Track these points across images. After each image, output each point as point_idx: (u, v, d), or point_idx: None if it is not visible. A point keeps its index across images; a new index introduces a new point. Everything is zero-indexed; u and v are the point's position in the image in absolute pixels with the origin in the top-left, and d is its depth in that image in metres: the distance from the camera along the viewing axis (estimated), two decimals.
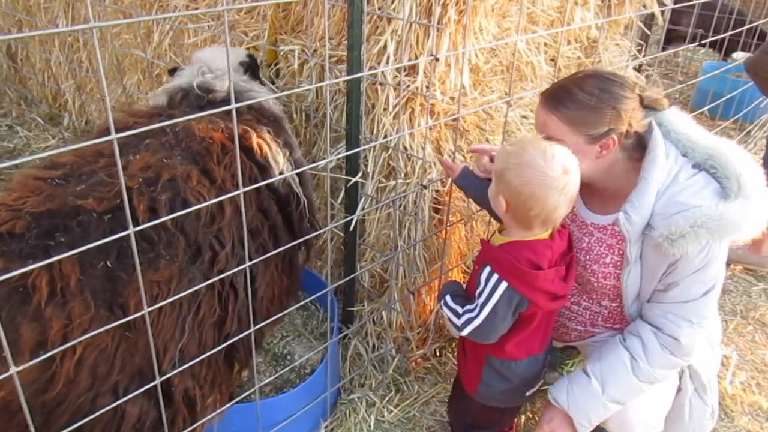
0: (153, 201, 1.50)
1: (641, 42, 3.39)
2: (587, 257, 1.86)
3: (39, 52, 4.38)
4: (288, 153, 1.99)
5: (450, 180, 2.20)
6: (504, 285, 1.59)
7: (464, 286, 1.85)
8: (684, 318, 1.70)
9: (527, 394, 1.87)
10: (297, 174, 1.97)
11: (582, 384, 1.78)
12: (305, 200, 1.99)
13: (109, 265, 1.38)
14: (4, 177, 3.78)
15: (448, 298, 1.75)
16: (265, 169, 1.85)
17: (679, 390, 1.90)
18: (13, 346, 1.21)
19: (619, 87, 1.64)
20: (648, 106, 1.74)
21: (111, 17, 3.53)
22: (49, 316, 1.28)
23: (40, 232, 1.36)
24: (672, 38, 6.51)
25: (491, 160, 1.91)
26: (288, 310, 1.91)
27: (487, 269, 1.63)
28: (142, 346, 1.44)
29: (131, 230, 1.17)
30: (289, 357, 2.41)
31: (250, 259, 1.62)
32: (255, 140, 1.83)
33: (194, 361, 1.55)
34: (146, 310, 1.27)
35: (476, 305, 1.64)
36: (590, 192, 1.84)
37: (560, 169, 1.51)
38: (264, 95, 2.11)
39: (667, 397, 1.86)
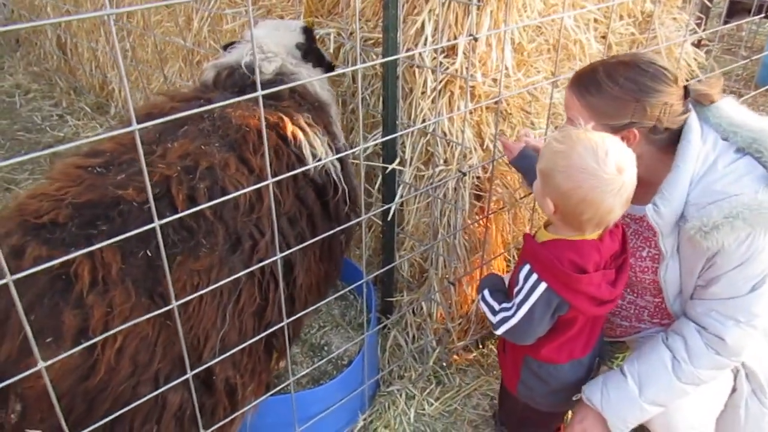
0: (192, 189, 1.50)
1: (701, 15, 3.17)
2: None
3: (86, 42, 4.46)
4: (328, 140, 1.94)
5: (492, 165, 2.10)
6: (543, 286, 1.49)
7: (506, 280, 1.76)
8: (729, 316, 1.56)
9: (574, 398, 1.76)
10: (339, 161, 1.92)
11: (618, 384, 1.67)
12: (345, 188, 1.94)
13: (149, 254, 1.39)
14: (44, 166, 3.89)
15: (486, 292, 1.66)
16: (300, 158, 1.81)
17: (733, 390, 1.76)
18: (55, 333, 1.25)
19: (650, 79, 1.53)
20: (696, 100, 1.62)
21: (153, 9, 3.54)
22: (90, 303, 1.29)
23: (82, 222, 1.37)
24: (735, 11, 6.13)
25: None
26: (326, 300, 1.88)
27: (527, 267, 1.53)
28: (183, 334, 1.42)
29: (156, 223, 1.14)
30: (326, 348, 2.37)
31: (288, 247, 1.64)
32: (290, 128, 1.80)
33: (236, 350, 1.55)
34: (174, 303, 1.25)
35: (513, 304, 1.55)
36: None
37: (614, 169, 1.38)
38: (308, 78, 2.05)
39: (719, 399, 1.73)
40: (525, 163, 1.84)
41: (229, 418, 1.62)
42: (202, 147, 1.59)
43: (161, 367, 1.43)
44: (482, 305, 1.66)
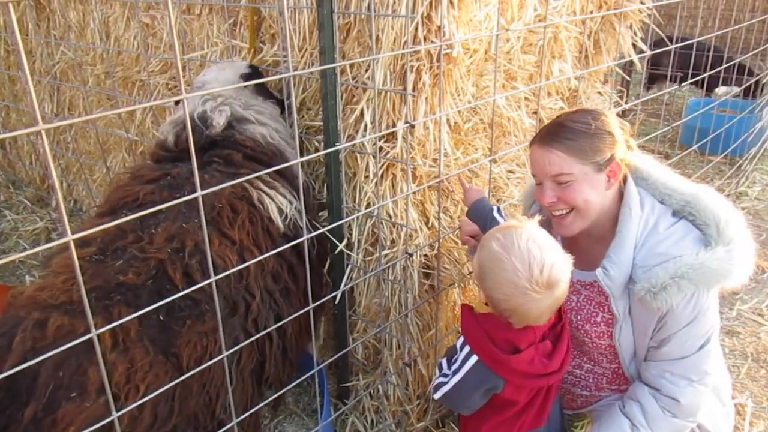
0: (186, 267, 1.65)
1: (622, 89, 3.40)
2: (578, 317, 1.78)
3: (25, 135, 4.39)
4: (288, 189, 2.06)
5: (438, 243, 2.14)
6: (474, 359, 1.51)
7: None
8: (682, 376, 1.60)
9: None
10: (303, 209, 2.02)
11: None
12: (311, 230, 2.05)
13: (161, 317, 1.55)
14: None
15: (444, 359, 1.65)
16: (271, 219, 1.96)
17: None
18: (80, 388, 1.39)
19: (603, 116, 1.63)
20: None
21: (94, 99, 3.55)
22: (113, 360, 1.43)
23: (97, 297, 1.52)
24: (654, 78, 6.60)
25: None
26: (281, 392, 1.91)
27: (461, 338, 1.56)
28: (196, 392, 1.61)
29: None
30: None
31: (276, 304, 1.89)
32: (255, 196, 1.95)
33: (256, 408, 1.75)
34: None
35: (450, 371, 1.56)
36: (572, 247, 1.73)
37: (546, 287, 1.39)
38: (265, 119, 2.16)
39: None
40: (480, 214, 1.86)
41: None
42: (184, 226, 1.74)
43: (178, 422, 1.56)
44: (437, 370, 1.67)
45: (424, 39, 1.95)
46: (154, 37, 2.90)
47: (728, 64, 4.07)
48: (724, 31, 3.98)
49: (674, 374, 1.61)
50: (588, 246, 1.76)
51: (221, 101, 2.13)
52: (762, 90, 5.60)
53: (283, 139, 2.20)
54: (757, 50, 4.73)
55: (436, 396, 1.59)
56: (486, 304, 1.60)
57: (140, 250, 1.66)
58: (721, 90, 6.20)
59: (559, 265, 1.43)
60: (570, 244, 1.72)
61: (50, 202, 4.43)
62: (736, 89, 5.63)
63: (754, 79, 5.02)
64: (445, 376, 1.58)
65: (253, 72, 2.28)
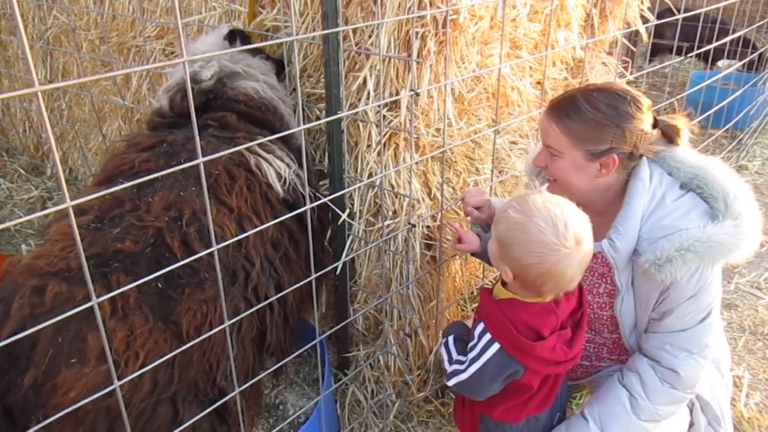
0: (184, 235, 1.63)
1: (626, 59, 3.34)
2: None
3: (18, 102, 4.32)
4: (286, 152, 2.03)
5: (441, 214, 2.12)
6: (496, 347, 1.47)
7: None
8: (682, 348, 1.60)
9: None
10: (301, 168, 2.04)
11: (579, 428, 1.66)
12: (312, 195, 2.05)
13: (160, 285, 1.53)
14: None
15: (450, 338, 1.63)
16: (270, 184, 1.93)
17: (691, 425, 1.79)
18: (79, 354, 1.38)
19: (627, 105, 1.55)
20: (663, 131, 1.65)
21: (89, 65, 3.48)
22: (112, 327, 1.42)
23: (95, 264, 1.51)
24: (657, 50, 6.51)
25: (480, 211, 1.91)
26: (282, 363, 1.95)
27: (481, 325, 1.51)
28: (196, 360, 1.60)
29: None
30: (281, 407, 2.29)
31: (276, 272, 1.86)
32: (253, 161, 1.90)
33: (258, 378, 1.76)
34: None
35: (467, 359, 1.52)
36: None
37: (574, 242, 1.37)
38: (255, 72, 2.13)
39: None
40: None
41: None
42: (181, 194, 1.71)
43: (179, 388, 1.55)
44: (442, 350, 1.64)
45: (430, 4, 1.90)
46: (150, 1, 2.82)
47: (732, 37, 4.00)
48: (727, 2, 3.91)
49: (674, 346, 1.60)
50: (596, 218, 1.73)
51: (206, 62, 2.08)
52: (765, 63, 5.54)
53: (277, 96, 2.17)
54: (762, 23, 4.66)
55: (451, 383, 1.55)
56: (504, 285, 1.56)
57: (138, 219, 1.63)
58: (723, 63, 6.13)
59: (580, 219, 1.42)
60: None
61: (45, 171, 4.38)
62: (737, 62, 5.56)
63: (758, 53, 4.95)
64: (460, 363, 1.53)
65: (234, 31, 2.23)
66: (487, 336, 1.48)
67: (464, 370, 1.51)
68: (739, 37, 4.75)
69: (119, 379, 1.35)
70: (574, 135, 1.57)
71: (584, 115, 1.56)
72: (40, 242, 1.69)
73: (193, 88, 2.04)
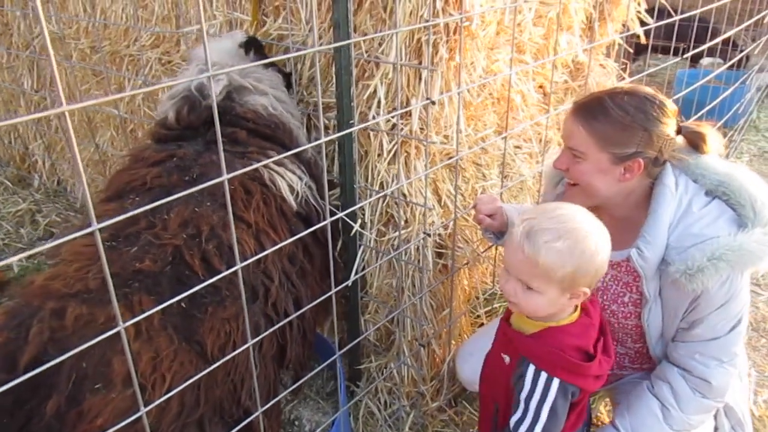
0: (203, 252, 1.59)
1: (625, 60, 3.36)
2: (604, 297, 1.75)
3: (3, 112, 4.22)
4: (297, 165, 2.01)
5: (454, 222, 2.09)
6: (556, 383, 1.39)
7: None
8: (713, 357, 1.59)
9: None
10: (313, 181, 2.04)
11: None
12: (323, 207, 2.03)
13: (184, 305, 1.49)
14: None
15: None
16: (284, 198, 1.91)
17: (715, 430, 1.79)
18: (104, 379, 1.33)
19: (656, 109, 1.53)
20: (687, 138, 1.63)
21: (78, 75, 3.40)
22: (137, 350, 1.38)
23: (115, 284, 1.43)
24: (641, 50, 6.57)
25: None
26: (302, 381, 1.91)
27: (531, 368, 1.41)
28: (221, 380, 1.57)
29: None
30: (297, 422, 2.26)
31: (294, 286, 1.84)
32: (267, 176, 1.88)
33: (281, 396, 1.73)
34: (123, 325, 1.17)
35: (528, 410, 1.41)
36: None
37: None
38: (265, 87, 2.08)
39: None
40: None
41: None
42: (197, 210, 1.67)
43: (205, 410, 1.52)
44: None
45: (442, 11, 1.88)
46: (145, 9, 2.76)
47: (723, 37, 4.04)
48: (720, 3, 3.95)
49: (704, 355, 1.59)
50: (611, 225, 1.71)
51: (217, 70, 2.03)
52: (748, 61, 5.62)
53: (286, 110, 2.13)
54: (749, 23, 4.72)
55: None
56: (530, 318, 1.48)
57: (155, 237, 1.59)
58: (706, 61, 6.22)
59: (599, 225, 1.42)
60: None
61: (32, 182, 4.27)
62: (720, 60, 5.62)
63: (745, 53, 5.01)
64: (521, 418, 1.43)
65: (251, 41, 2.18)
66: (543, 375, 1.40)
67: (536, 420, 1.40)
68: (719, 33, 4.80)
69: (147, 403, 1.32)
70: (601, 137, 1.54)
71: (612, 117, 1.53)
72: (52, 263, 1.62)
73: (200, 101, 2.00)
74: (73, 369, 1.34)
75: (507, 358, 1.52)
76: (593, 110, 1.56)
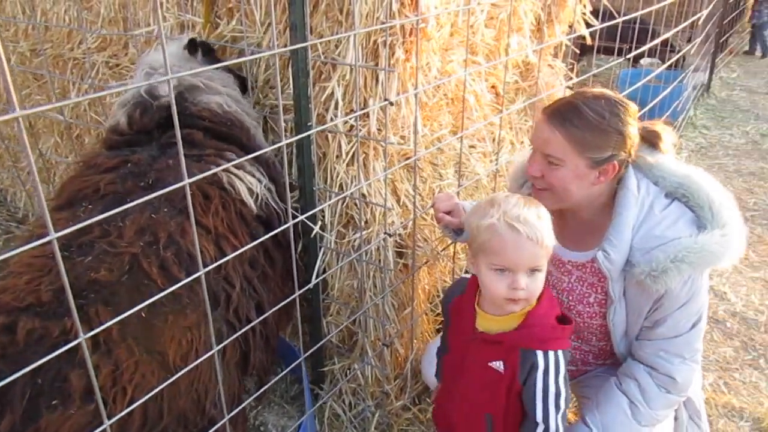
0: (162, 260, 1.56)
1: (572, 61, 3.46)
2: (570, 298, 1.78)
3: None
4: (257, 167, 1.99)
5: (414, 222, 2.11)
6: (561, 354, 1.43)
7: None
8: (677, 354, 1.64)
9: None
10: (272, 182, 2.02)
11: None
12: (284, 209, 2.03)
13: (143, 315, 1.45)
14: None
15: None
16: (244, 201, 1.89)
17: (675, 420, 1.85)
18: (62, 395, 1.30)
19: (625, 112, 1.56)
20: (643, 136, 1.66)
21: (19, 79, 3.26)
22: (96, 363, 1.33)
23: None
24: (585, 50, 6.78)
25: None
26: (265, 387, 1.86)
27: (540, 354, 1.42)
28: (185, 389, 1.53)
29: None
30: (262, 428, 2.23)
31: (256, 291, 1.82)
32: (225, 180, 1.86)
33: (245, 403, 1.67)
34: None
35: (545, 415, 1.43)
36: (562, 227, 1.71)
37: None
38: (217, 85, 2.06)
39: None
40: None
41: None
42: (153, 217, 1.64)
43: (169, 422, 1.49)
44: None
45: (399, 13, 1.90)
46: (90, 11, 2.68)
47: (662, 38, 4.22)
48: (660, 5, 4.13)
49: (669, 353, 1.63)
50: (575, 226, 1.75)
51: (162, 74, 2.00)
52: (684, 61, 5.88)
53: (242, 109, 2.10)
54: (683, 24, 4.94)
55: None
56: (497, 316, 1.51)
57: (110, 245, 1.54)
58: (645, 61, 6.47)
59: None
60: (558, 223, 1.71)
61: None
62: (658, 60, 5.84)
63: (683, 53, 5.25)
64: (544, 407, 1.45)
65: (193, 42, 2.14)
66: (551, 354, 1.43)
67: (558, 394, 1.44)
68: (658, 34, 5.01)
69: (109, 417, 1.29)
70: (579, 142, 1.54)
71: (589, 121, 1.54)
72: None
73: (152, 104, 1.96)
74: (27, 386, 1.30)
75: (499, 364, 1.49)
76: (569, 115, 1.56)
